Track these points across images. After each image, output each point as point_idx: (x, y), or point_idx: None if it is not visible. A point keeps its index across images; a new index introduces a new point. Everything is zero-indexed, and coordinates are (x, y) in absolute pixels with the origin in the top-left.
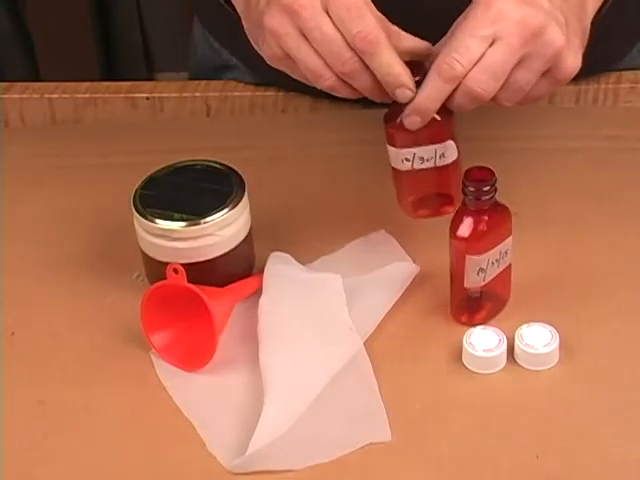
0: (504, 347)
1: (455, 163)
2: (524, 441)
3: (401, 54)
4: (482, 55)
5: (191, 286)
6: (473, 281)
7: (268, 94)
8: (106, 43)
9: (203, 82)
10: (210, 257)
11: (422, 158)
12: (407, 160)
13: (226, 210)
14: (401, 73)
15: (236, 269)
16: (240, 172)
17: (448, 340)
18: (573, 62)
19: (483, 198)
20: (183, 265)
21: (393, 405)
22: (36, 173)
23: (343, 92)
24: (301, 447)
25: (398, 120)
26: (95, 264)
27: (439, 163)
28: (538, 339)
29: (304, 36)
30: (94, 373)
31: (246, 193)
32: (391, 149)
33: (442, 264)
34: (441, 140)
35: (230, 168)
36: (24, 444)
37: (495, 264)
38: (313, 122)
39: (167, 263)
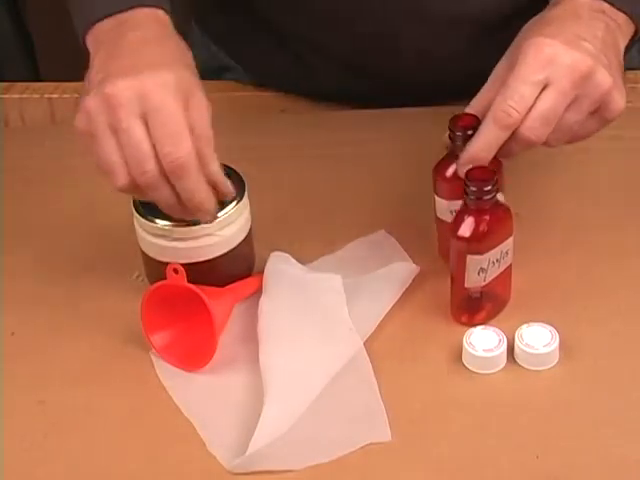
0: (504, 347)
1: None
2: (524, 441)
3: (210, 175)
4: (535, 100)
5: (191, 286)
6: (474, 281)
7: (268, 94)
8: None
9: (203, 82)
10: (210, 257)
11: None
12: (453, 212)
13: (226, 210)
14: (204, 200)
15: (236, 269)
16: (240, 172)
17: (448, 340)
18: (620, 101)
19: (484, 198)
20: (183, 265)
21: (393, 405)
22: (36, 173)
23: (136, 195)
24: (301, 447)
25: (449, 172)
26: (95, 264)
27: None
28: (538, 339)
29: (114, 131)
30: (94, 373)
31: (246, 193)
32: (439, 200)
33: (442, 264)
34: None
35: (230, 168)
36: (24, 444)
37: (496, 264)
38: (313, 122)
39: (167, 263)
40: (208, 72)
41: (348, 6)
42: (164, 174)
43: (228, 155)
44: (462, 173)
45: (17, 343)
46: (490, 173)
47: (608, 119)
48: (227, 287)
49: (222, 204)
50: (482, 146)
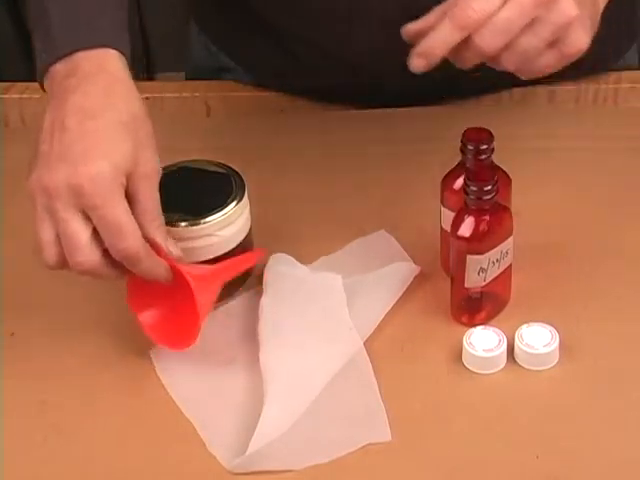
0: (504, 347)
1: None
2: (524, 441)
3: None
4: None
5: (175, 264)
6: (474, 281)
7: (268, 94)
8: None
9: (203, 82)
10: (210, 257)
11: None
12: None
13: (226, 210)
14: (161, 275)
15: None
16: (240, 172)
17: (448, 340)
18: (583, 38)
19: (484, 198)
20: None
21: (393, 405)
22: None
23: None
24: (301, 447)
25: (457, 184)
26: None
27: None
28: (538, 339)
29: (51, 215)
30: (94, 373)
31: (246, 193)
32: (446, 211)
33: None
34: None
35: (230, 168)
36: (24, 444)
37: (496, 264)
38: (313, 122)
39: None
40: (208, 72)
41: (345, 5)
42: (98, 265)
43: (228, 155)
44: (413, 67)
45: (17, 343)
46: (490, 173)
47: (566, 55)
48: (215, 266)
49: (222, 204)
50: (436, 42)
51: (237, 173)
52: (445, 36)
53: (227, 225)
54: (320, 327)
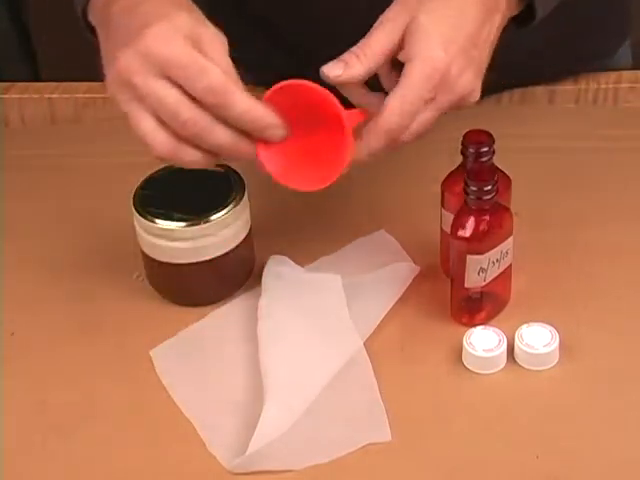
0: (504, 347)
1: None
2: (524, 441)
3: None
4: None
5: (317, 88)
6: (474, 281)
7: None
8: None
9: None
10: (210, 257)
11: None
12: None
13: (226, 210)
14: (264, 115)
15: (236, 269)
16: (240, 172)
17: (448, 340)
18: (477, 95)
19: (484, 198)
20: (183, 265)
21: (393, 405)
22: (36, 173)
23: (176, 162)
24: (301, 447)
25: (458, 186)
26: (95, 264)
27: None
28: (538, 339)
29: (140, 101)
30: (94, 373)
31: (246, 193)
32: (446, 213)
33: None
34: None
35: (230, 168)
36: (24, 444)
37: (496, 264)
38: None
39: (167, 263)
40: None
41: (342, 6)
42: (204, 119)
43: None
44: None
45: (17, 343)
46: (490, 173)
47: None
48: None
49: (222, 204)
50: (368, 151)
51: (237, 173)
52: (379, 148)
53: (227, 225)
54: (320, 327)
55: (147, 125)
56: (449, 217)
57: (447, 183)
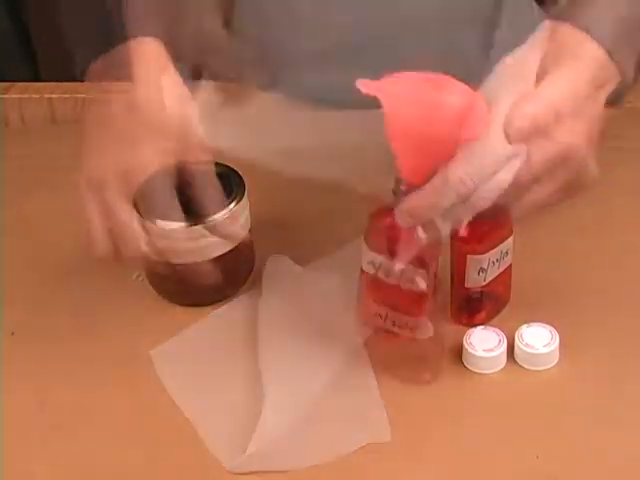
0: (504, 347)
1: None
2: (524, 441)
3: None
4: None
5: None
6: (474, 281)
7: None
8: None
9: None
10: (210, 257)
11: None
12: (375, 265)
13: (226, 210)
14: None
15: (236, 269)
16: (240, 172)
17: (448, 340)
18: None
19: None
20: (183, 265)
21: (393, 405)
22: (36, 173)
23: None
24: (301, 447)
25: (383, 224)
26: (95, 264)
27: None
28: (538, 339)
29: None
30: (94, 373)
31: (246, 193)
32: (365, 248)
33: (442, 264)
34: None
35: (230, 168)
36: (24, 444)
37: (496, 264)
38: (313, 122)
39: (167, 263)
40: None
41: (341, 9)
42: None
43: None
44: (399, 220)
45: (17, 343)
46: None
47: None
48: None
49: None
50: (424, 203)
51: (237, 173)
52: (435, 200)
53: (227, 225)
54: (320, 327)
55: (96, 231)
56: (366, 253)
57: (375, 217)
